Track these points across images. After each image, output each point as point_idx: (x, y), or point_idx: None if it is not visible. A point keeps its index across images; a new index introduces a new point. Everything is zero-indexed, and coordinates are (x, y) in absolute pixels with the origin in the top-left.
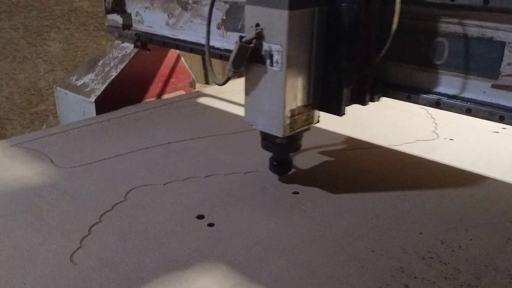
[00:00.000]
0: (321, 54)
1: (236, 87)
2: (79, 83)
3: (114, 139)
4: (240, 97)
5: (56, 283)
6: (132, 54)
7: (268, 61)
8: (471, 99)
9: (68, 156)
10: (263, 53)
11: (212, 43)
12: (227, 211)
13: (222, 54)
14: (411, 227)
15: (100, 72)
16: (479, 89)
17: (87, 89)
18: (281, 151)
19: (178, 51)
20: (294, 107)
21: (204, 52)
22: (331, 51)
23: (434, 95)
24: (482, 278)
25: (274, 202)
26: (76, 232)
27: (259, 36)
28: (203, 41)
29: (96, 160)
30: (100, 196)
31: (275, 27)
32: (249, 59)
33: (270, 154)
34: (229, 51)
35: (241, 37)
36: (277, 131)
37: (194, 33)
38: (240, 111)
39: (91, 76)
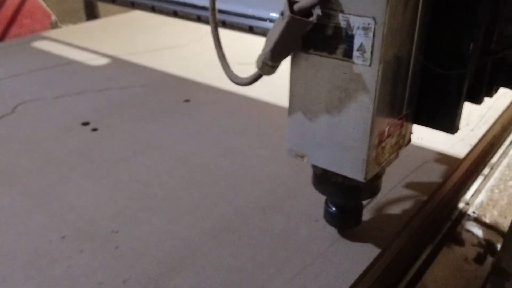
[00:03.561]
0: (425, 32)
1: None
2: None
3: (11, 63)
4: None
5: None
6: None
7: (342, 48)
8: None
9: None
10: (332, 32)
11: None
12: (113, 118)
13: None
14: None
15: None
16: None
17: None
18: (353, 198)
19: None
20: (383, 127)
21: None
22: (446, 26)
23: None
24: None
25: (163, 109)
26: None
27: (326, 2)
28: None
29: None
30: None
31: None
32: (302, 43)
33: None
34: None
35: (291, 3)
36: (355, 172)
37: None
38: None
39: None
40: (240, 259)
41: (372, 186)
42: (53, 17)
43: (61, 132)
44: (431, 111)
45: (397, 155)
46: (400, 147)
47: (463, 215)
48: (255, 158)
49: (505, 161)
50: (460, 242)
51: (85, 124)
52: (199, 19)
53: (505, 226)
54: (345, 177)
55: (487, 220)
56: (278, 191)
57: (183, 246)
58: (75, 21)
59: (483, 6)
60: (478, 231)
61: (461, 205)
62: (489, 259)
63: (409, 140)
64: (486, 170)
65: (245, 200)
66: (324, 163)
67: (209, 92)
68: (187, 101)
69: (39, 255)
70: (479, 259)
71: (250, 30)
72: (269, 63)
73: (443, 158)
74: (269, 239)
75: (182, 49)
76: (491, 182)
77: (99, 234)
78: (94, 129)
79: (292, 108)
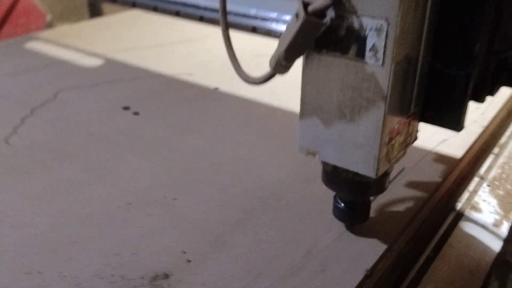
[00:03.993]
0: (433, 32)
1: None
2: None
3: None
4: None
5: None
6: None
7: (354, 49)
8: None
9: None
10: (345, 33)
11: None
12: (151, 103)
13: None
14: None
15: None
16: None
17: None
18: (363, 193)
19: None
20: (393, 125)
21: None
22: (453, 26)
23: None
24: None
25: (196, 96)
26: (9, 122)
27: (340, 3)
28: None
29: (22, 70)
30: (30, 96)
31: None
32: (315, 44)
33: None
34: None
35: (305, 5)
36: (367, 168)
37: None
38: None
39: None
40: (291, 220)
41: (381, 182)
42: (49, 17)
43: (105, 115)
44: (437, 109)
45: (404, 153)
46: (407, 145)
47: (479, 187)
48: (287, 137)
49: None
50: (479, 210)
51: (126, 108)
52: (201, 19)
53: None
54: (355, 174)
55: (501, 192)
56: (315, 164)
57: (238, 210)
58: (77, 19)
59: (489, 5)
60: (493, 201)
61: (476, 179)
62: (505, 224)
63: (416, 138)
64: (496, 150)
65: (286, 172)
66: (336, 160)
67: (234, 81)
68: (216, 89)
69: (111, 218)
70: (497, 224)
71: (254, 30)
72: (283, 63)
73: (459, 138)
74: (314, 204)
75: (195, 43)
76: (501, 159)
77: (160, 201)
78: (136, 113)
79: (304, 107)
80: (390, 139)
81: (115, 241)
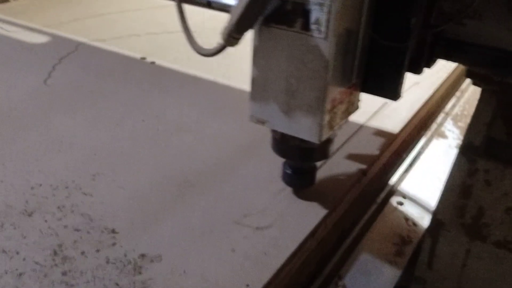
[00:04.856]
0: (373, 8)
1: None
2: None
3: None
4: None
5: (35, 98)
6: None
7: (299, 22)
8: None
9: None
10: (291, 7)
11: None
12: (164, 53)
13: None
14: None
15: None
16: None
17: None
18: (309, 159)
19: None
20: (335, 94)
21: None
22: (391, 3)
23: None
24: None
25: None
26: (43, 68)
27: None
28: None
29: (41, 27)
30: (53, 48)
31: None
32: (264, 17)
33: None
34: None
35: None
36: (311, 135)
37: None
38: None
39: None
40: None
41: (324, 148)
42: None
43: (125, 64)
44: (376, 80)
45: (347, 121)
46: (349, 114)
47: (445, 120)
48: None
49: (471, 88)
50: (444, 136)
51: (143, 58)
52: None
53: None
54: (301, 140)
55: (462, 124)
56: None
57: (251, 138)
58: None
59: None
60: (456, 130)
61: (442, 114)
62: None
63: (357, 107)
64: (458, 93)
65: None
66: (283, 128)
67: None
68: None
69: (153, 140)
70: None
71: (209, 5)
72: (234, 35)
73: (429, 81)
74: None
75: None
76: (462, 100)
77: (188, 128)
78: (152, 62)
79: (253, 78)
80: (333, 107)
81: (160, 155)
